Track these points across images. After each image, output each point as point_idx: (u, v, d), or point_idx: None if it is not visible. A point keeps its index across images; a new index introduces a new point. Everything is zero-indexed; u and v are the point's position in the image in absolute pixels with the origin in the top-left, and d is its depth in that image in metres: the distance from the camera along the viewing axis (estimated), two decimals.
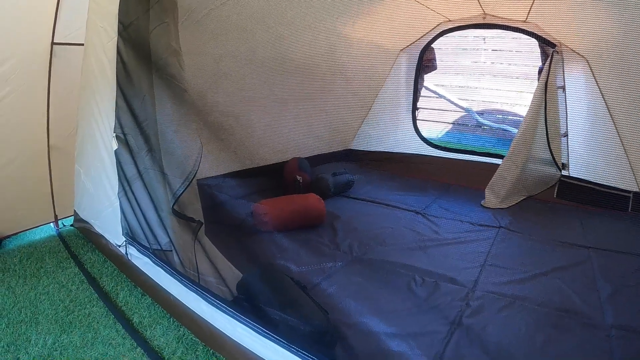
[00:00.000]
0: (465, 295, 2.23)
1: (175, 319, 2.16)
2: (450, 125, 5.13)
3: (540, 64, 3.75)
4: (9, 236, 2.90)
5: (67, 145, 2.83)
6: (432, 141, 4.51)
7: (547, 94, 3.45)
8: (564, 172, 3.67)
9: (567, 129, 3.61)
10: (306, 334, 1.65)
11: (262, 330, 1.65)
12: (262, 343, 1.67)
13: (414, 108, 4.49)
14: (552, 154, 3.59)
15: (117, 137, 2.16)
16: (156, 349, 1.99)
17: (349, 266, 2.54)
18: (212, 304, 1.83)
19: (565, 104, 3.59)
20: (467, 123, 5.15)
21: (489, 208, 3.55)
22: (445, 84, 5.16)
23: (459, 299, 2.19)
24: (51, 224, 3.14)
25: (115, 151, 2.18)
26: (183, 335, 2.07)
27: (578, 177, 3.63)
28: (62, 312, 2.22)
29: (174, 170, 1.96)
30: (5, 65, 2.41)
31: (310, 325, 1.66)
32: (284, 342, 1.58)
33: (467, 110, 5.18)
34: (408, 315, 2.03)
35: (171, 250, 2.06)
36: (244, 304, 1.80)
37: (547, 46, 3.56)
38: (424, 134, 4.54)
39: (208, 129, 2.70)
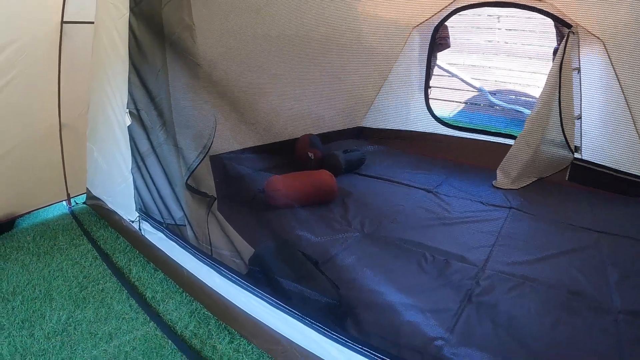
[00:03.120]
0: (475, 274, 2.23)
1: (188, 294, 2.18)
2: (463, 105, 5.06)
3: (556, 44, 3.68)
4: (22, 215, 2.93)
5: (78, 124, 2.84)
6: (444, 120, 4.46)
7: (562, 75, 3.38)
8: (577, 155, 3.61)
9: (581, 112, 3.56)
10: (318, 307, 1.67)
11: (275, 302, 1.67)
12: (275, 315, 1.70)
13: (427, 86, 4.42)
14: (565, 136, 3.53)
15: (130, 113, 2.16)
16: (169, 323, 2.02)
17: (360, 242, 2.55)
18: (226, 277, 1.85)
19: (580, 86, 3.52)
20: (480, 102, 5.09)
21: (500, 188, 3.52)
22: (458, 63, 5.09)
23: (469, 278, 2.19)
24: (64, 202, 3.16)
25: (129, 127, 2.19)
26: (196, 310, 2.09)
27: (590, 160, 3.58)
28: (75, 288, 2.25)
29: (189, 144, 1.97)
30: (13, 46, 2.40)
31: (322, 298, 1.68)
32: (296, 314, 1.60)
33: (479, 89, 5.11)
34: (418, 292, 2.04)
35: (185, 225, 2.08)
36: (258, 277, 1.82)
37: (562, 26, 3.48)
38: (436, 112, 4.49)
39: (221, 104, 2.70)
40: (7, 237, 2.72)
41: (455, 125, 4.39)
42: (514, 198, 3.29)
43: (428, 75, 4.40)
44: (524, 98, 4.96)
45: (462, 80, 5.15)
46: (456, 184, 3.58)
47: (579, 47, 3.43)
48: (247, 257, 1.96)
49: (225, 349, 1.86)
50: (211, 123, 1.92)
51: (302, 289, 1.67)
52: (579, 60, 3.47)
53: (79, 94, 2.73)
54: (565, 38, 3.35)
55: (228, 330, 1.95)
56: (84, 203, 3.18)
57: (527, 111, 4.51)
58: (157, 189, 2.17)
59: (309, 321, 1.57)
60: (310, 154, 3.71)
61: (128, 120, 2.16)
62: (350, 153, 3.85)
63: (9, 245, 2.62)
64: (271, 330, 1.76)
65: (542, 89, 3.47)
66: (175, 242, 2.13)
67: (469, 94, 5.15)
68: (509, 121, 4.64)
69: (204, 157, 1.93)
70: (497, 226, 2.80)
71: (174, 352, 1.85)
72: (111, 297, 2.20)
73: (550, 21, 3.62)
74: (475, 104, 5.09)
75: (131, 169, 2.31)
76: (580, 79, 3.50)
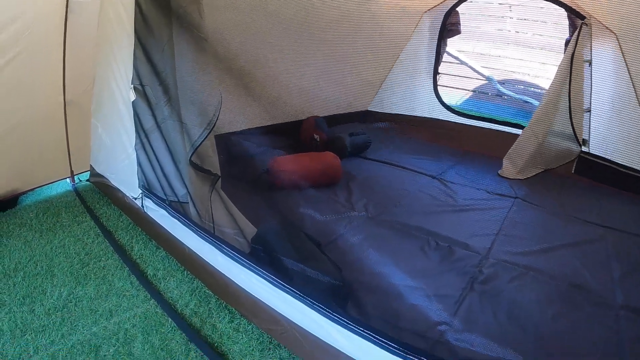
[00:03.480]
0: (478, 262, 2.22)
1: (189, 272, 2.19)
2: (471, 93, 4.99)
3: (568, 35, 3.62)
4: (25, 192, 2.92)
5: (83, 101, 2.81)
6: (451, 107, 4.41)
7: (573, 66, 3.33)
8: (584, 149, 3.57)
9: (590, 105, 3.51)
10: (320, 288, 1.65)
11: (276, 281, 1.66)
12: (276, 294, 1.69)
13: (435, 72, 4.37)
14: (573, 129, 3.49)
15: (135, 88, 2.14)
16: (170, 300, 2.03)
17: (363, 226, 2.54)
18: (229, 256, 1.84)
19: (591, 79, 3.47)
20: (488, 92, 5.02)
21: (506, 178, 3.49)
22: (468, 50, 5.01)
23: (472, 265, 2.18)
24: (67, 179, 3.16)
25: (133, 103, 2.17)
26: (197, 288, 2.09)
27: (598, 155, 3.53)
28: (77, 265, 2.25)
29: (194, 120, 1.94)
30: (18, 22, 2.35)
31: (325, 278, 1.67)
32: (298, 294, 1.59)
33: (488, 78, 5.04)
34: (421, 277, 2.03)
35: (188, 202, 2.07)
36: (261, 256, 1.81)
37: (575, 17, 3.42)
38: (444, 99, 4.44)
39: (228, 81, 2.67)
40: (10, 214, 2.72)
41: (463, 113, 4.33)
42: (519, 188, 3.26)
43: (437, 61, 4.34)
44: (532, 89, 4.87)
45: (471, 68, 5.06)
46: (462, 172, 3.55)
47: (591, 39, 3.37)
48: (249, 236, 1.95)
49: (225, 328, 1.87)
50: (217, 99, 1.89)
51: (305, 268, 1.66)
52: (591, 53, 3.41)
53: (84, 71, 2.71)
54: (577, 29, 3.29)
55: (228, 310, 1.95)
56: (87, 180, 3.18)
57: (535, 102, 4.44)
58: (160, 165, 2.16)
59: (310, 301, 1.56)
60: (315, 136, 3.69)
61: (132, 96, 2.13)
62: (356, 136, 3.82)
63: (11, 222, 2.62)
64: (271, 309, 1.75)
65: (552, 80, 3.42)
66: (178, 220, 2.12)
67: (477, 83, 5.07)
68: (516, 111, 4.56)
69: (209, 133, 1.91)
70: (502, 215, 2.77)
71: (173, 330, 1.85)
72: (112, 274, 2.20)
73: (563, 12, 3.56)
74: (484, 93, 5.01)
75: (135, 145, 2.29)
76: (591, 71, 3.44)
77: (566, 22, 3.69)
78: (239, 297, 1.88)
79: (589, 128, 3.54)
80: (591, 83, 3.46)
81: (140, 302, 2.01)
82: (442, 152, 4.03)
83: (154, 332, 1.84)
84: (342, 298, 1.73)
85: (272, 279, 1.68)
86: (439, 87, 4.44)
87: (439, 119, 4.41)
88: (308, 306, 1.57)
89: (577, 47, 3.29)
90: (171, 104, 2.02)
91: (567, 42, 3.51)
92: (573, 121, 3.47)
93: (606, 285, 2.11)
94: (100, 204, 2.92)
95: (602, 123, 3.48)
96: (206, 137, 1.91)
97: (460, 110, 4.39)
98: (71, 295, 2.02)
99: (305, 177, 2.97)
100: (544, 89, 3.85)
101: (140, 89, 2.13)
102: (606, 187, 3.40)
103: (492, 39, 4.95)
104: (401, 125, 4.57)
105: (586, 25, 3.29)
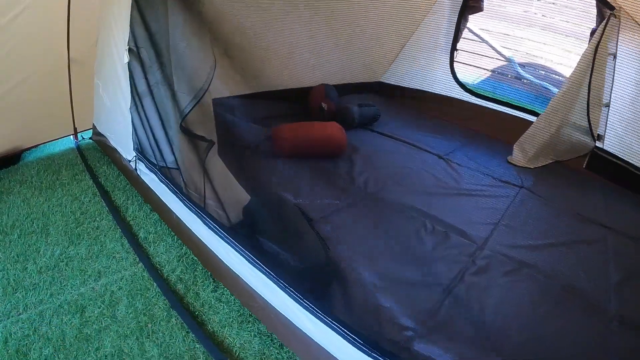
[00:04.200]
0: (473, 251, 2.15)
1: (178, 238, 2.19)
2: (489, 73, 4.80)
3: (594, 25, 3.44)
4: (28, 148, 2.92)
5: (87, 58, 2.77)
6: (467, 86, 4.26)
7: (596, 58, 3.17)
8: (598, 144, 3.44)
9: (610, 100, 3.36)
10: (301, 269, 1.62)
11: (252, 259, 1.64)
12: (253, 273, 1.68)
13: (453, 48, 4.20)
14: (589, 122, 3.36)
15: (130, 50, 2.09)
16: (157, 265, 2.04)
17: (361, 202, 2.47)
18: (210, 228, 1.83)
19: (613, 73, 3.31)
20: (507, 73, 4.81)
21: (515, 165, 3.39)
22: (490, 29, 4.80)
23: (466, 255, 2.11)
24: (71, 136, 3.15)
25: (128, 65, 2.13)
26: (185, 254, 2.10)
27: (612, 152, 3.39)
28: (72, 224, 2.27)
29: (184, 87, 1.88)
30: None
31: (307, 261, 1.63)
32: (272, 275, 1.57)
33: (508, 59, 4.84)
34: (411, 262, 1.99)
35: (177, 169, 2.04)
36: (241, 232, 1.77)
37: (604, 7, 3.24)
38: (460, 77, 4.28)
39: (236, 39, 2.53)
40: (12, 171, 2.72)
41: (478, 93, 4.19)
42: (526, 177, 3.16)
43: (456, 38, 4.16)
44: (554, 75, 4.67)
45: (492, 48, 4.86)
46: (470, 154, 3.43)
47: (618, 32, 3.19)
48: (234, 209, 1.91)
49: (208, 297, 1.87)
50: (210, 64, 1.81)
51: (284, 253, 1.61)
52: (617, 46, 3.24)
53: (90, 28, 2.65)
54: (605, 20, 3.12)
55: (213, 278, 1.96)
56: (90, 138, 3.17)
57: (554, 89, 4.27)
58: (151, 129, 2.13)
59: (282, 284, 1.54)
60: (323, 105, 3.55)
61: (126, 58, 2.09)
62: (365, 108, 3.70)
63: (13, 179, 2.62)
64: (248, 286, 1.74)
65: (573, 69, 3.28)
66: (166, 186, 2.10)
67: (497, 63, 4.86)
68: (534, 97, 4.38)
69: (199, 100, 1.85)
70: (504, 204, 2.68)
71: (157, 295, 1.86)
72: (105, 235, 2.21)
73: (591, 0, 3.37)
74: (502, 74, 4.81)
75: (129, 107, 2.26)
76: (614, 65, 3.28)
77: (594, 10, 3.50)
78: (220, 269, 1.88)
79: (606, 123, 3.39)
80: (613, 77, 3.29)
81: (128, 265, 2.03)
82: (453, 131, 3.90)
83: (139, 296, 1.85)
84: (324, 281, 1.70)
85: (248, 256, 1.66)
86: (455, 65, 4.29)
87: (452, 97, 4.26)
88: (280, 288, 1.55)
89: (602, 39, 3.13)
90: (163, 68, 1.96)
91: (592, 32, 3.33)
92: (590, 114, 3.33)
93: (602, 290, 2.03)
94: (100, 162, 2.92)
95: (620, 120, 3.33)
96: (197, 103, 1.85)
97: (475, 90, 4.24)
98: (63, 255, 2.04)
99: (308, 147, 2.88)
100: (565, 77, 3.68)
101: (135, 51, 2.07)
102: (615, 187, 3.27)
103: (516, 20, 4.74)
104: (413, 100, 4.44)
105: (615, 16, 3.10)
